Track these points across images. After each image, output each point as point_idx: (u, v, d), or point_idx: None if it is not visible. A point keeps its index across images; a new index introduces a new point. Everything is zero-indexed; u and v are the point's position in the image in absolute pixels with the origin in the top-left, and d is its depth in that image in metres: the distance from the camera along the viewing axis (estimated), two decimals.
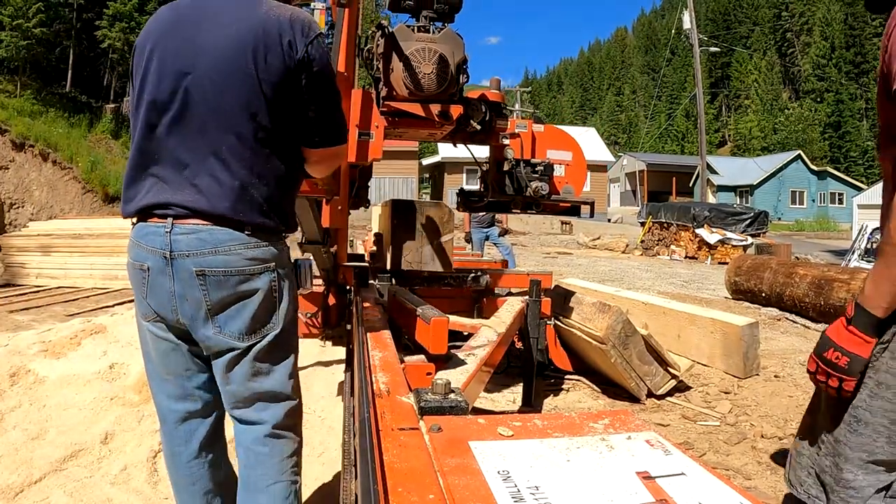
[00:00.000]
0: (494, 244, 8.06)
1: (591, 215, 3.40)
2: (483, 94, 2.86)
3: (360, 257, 4.15)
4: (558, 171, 3.31)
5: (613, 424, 1.01)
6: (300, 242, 2.50)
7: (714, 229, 13.53)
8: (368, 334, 1.77)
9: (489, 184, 3.27)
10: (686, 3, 21.87)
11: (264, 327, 1.47)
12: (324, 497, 2.42)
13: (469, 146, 3.13)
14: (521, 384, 3.41)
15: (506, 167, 3.17)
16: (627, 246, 16.05)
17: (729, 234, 13.37)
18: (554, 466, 0.84)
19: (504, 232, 8.21)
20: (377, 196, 22.78)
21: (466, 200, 3.57)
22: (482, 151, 3.37)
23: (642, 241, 15.84)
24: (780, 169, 36.27)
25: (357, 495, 1.13)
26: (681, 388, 3.66)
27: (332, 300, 3.06)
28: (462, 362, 1.87)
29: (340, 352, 3.66)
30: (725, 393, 3.68)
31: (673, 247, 14.35)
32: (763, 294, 6.76)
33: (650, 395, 3.52)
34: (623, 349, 3.37)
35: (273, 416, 1.53)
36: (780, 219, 32.93)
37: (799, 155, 37.34)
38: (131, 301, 4.16)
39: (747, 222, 13.85)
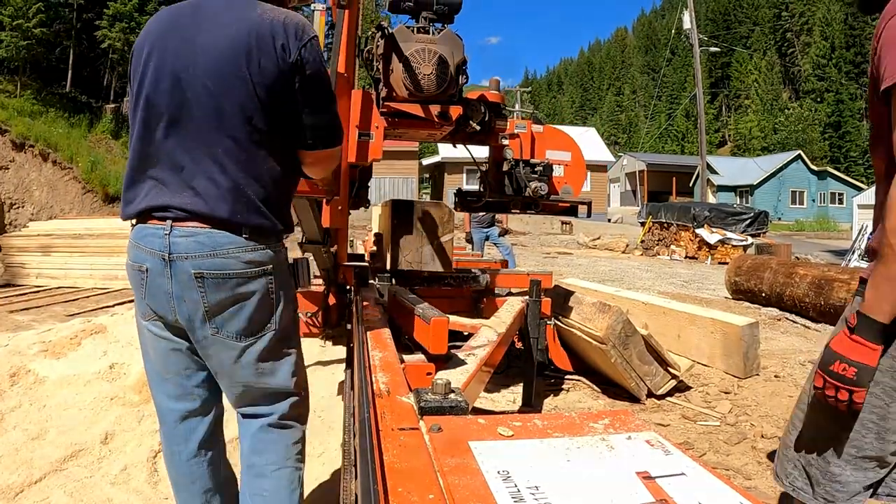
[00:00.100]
0: (494, 244, 8.05)
1: (589, 215, 3.40)
2: (482, 94, 2.87)
3: (360, 257, 4.15)
4: (557, 171, 3.32)
5: (613, 424, 1.01)
6: (300, 242, 2.51)
7: (714, 229, 13.52)
8: (368, 334, 1.78)
9: (488, 184, 3.28)
10: (686, 3, 21.86)
11: (263, 328, 1.48)
12: (324, 497, 2.42)
13: (468, 146, 3.13)
14: (521, 384, 3.41)
15: (505, 167, 3.17)
16: (627, 246, 16.04)
17: (729, 234, 13.36)
18: (554, 466, 0.84)
19: (504, 232, 8.20)
20: (377, 196, 22.78)
21: (464, 201, 3.57)
22: (482, 152, 3.37)
23: (642, 241, 15.83)
24: (780, 169, 36.24)
25: (357, 495, 1.13)
26: (681, 388, 3.66)
27: (332, 300, 3.06)
28: (462, 362, 1.87)
29: (340, 351, 3.66)
30: (725, 393, 3.68)
31: (673, 247, 14.34)
32: (763, 294, 6.76)
33: (650, 395, 3.52)
34: (623, 349, 3.37)
35: (278, 409, 1.57)
36: (780, 219, 32.92)
37: (799, 155, 37.29)
38: (131, 301, 4.16)
39: (747, 222, 13.85)
